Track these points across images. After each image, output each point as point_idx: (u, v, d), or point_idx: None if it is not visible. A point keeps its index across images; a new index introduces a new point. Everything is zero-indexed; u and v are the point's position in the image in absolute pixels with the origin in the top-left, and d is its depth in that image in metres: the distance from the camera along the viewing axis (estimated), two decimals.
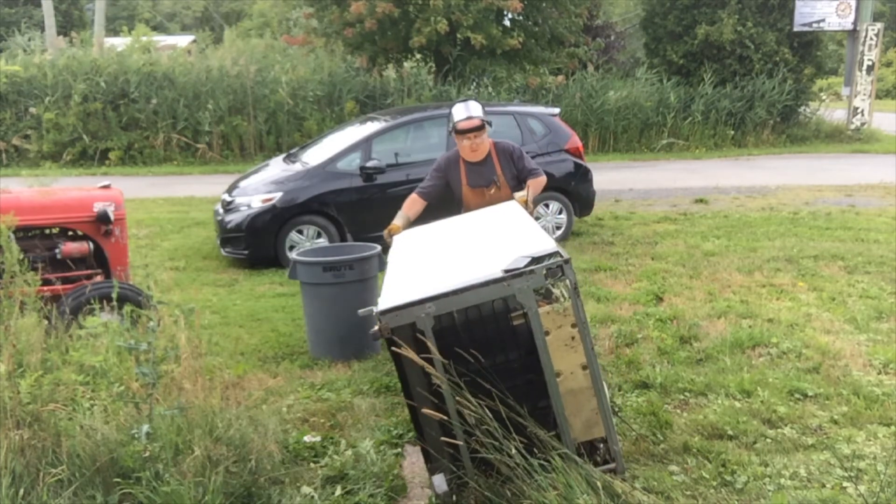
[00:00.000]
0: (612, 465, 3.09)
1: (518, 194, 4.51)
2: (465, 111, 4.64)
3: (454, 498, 3.03)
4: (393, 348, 2.93)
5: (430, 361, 2.90)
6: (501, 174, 4.74)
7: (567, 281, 2.92)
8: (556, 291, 3.04)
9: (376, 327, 2.92)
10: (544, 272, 2.90)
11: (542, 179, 4.74)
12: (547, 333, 2.94)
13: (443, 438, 2.98)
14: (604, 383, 3.14)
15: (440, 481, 2.98)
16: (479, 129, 4.60)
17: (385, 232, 4.61)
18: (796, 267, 7.04)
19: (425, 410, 2.95)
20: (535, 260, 2.95)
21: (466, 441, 2.93)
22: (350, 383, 4.56)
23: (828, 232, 8.56)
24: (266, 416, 3.66)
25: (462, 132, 4.61)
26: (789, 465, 3.52)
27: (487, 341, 3.01)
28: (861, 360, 4.75)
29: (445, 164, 4.82)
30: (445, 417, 2.92)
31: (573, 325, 2.96)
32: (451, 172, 4.79)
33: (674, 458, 3.61)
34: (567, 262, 2.92)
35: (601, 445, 3.12)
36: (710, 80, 17.12)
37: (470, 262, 3.39)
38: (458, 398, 2.88)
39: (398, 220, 4.66)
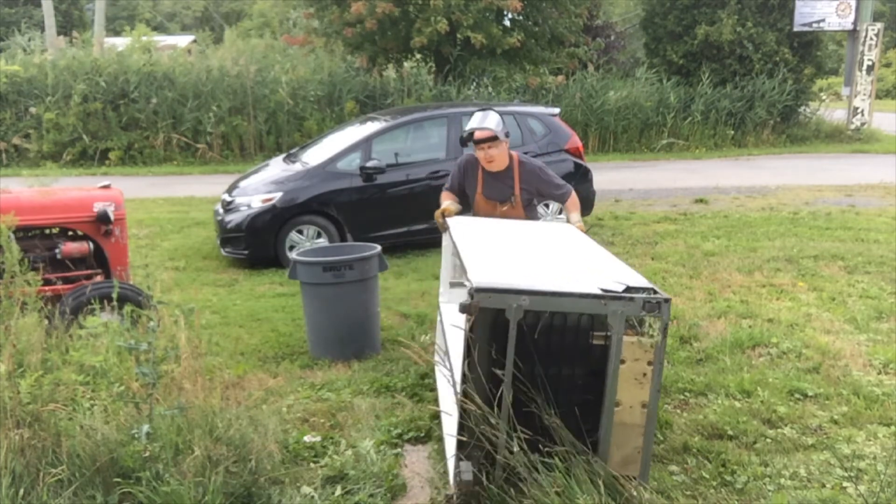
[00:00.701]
0: None
1: (575, 223, 4.40)
2: (478, 121, 4.43)
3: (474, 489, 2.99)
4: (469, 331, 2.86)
5: (491, 351, 2.87)
6: (519, 193, 4.51)
7: (660, 319, 2.93)
8: (647, 324, 3.02)
9: (466, 300, 2.86)
10: (642, 303, 2.89)
11: (575, 196, 4.59)
12: (622, 362, 2.94)
13: (460, 435, 2.93)
14: (653, 430, 3.13)
15: (467, 469, 2.96)
16: (491, 140, 4.37)
17: (437, 212, 4.47)
18: (796, 267, 7.04)
19: (463, 404, 2.89)
20: (630, 289, 2.95)
21: (508, 439, 2.90)
22: (350, 383, 4.56)
23: (828, 232, 8.57)
24: (266, 416, 3.65)
25: (475, 142, 4.41)
26: (789, 465, 3.52)
27: (561, 351, 2.99)
28: (861, 360, 4.75)
29: (465, 164, 4.63)
30: (478, 409, 2.88)
31: (649, 363, 2.96)
32: (468, 175, 4.60)
33: (674, 458, 3.61)
34: (667, 301, 2.92)
35: (626, 480, 3.11)
36: (709, 79, 17.13)
37: (559, 269, 3.37)
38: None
39: (450, 204, 4.53)
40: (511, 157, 4.53)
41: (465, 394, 2.91)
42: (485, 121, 4.42)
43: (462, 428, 2.97)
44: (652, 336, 2.94)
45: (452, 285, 3.31)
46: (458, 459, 2.99)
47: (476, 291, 2.83)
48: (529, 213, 4.62)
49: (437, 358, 4.46)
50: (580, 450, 2.89)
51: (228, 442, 3.21)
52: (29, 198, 5.02)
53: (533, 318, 2.91)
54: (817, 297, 6.11)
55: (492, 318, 2.89)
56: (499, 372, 2.90)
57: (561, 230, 4.34)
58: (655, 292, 2.97)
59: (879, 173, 12.60)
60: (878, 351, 4.87)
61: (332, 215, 7.68)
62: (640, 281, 3.11)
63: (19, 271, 3.89)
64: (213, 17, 42.23)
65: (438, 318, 4.53)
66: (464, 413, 2.93)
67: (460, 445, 2.98)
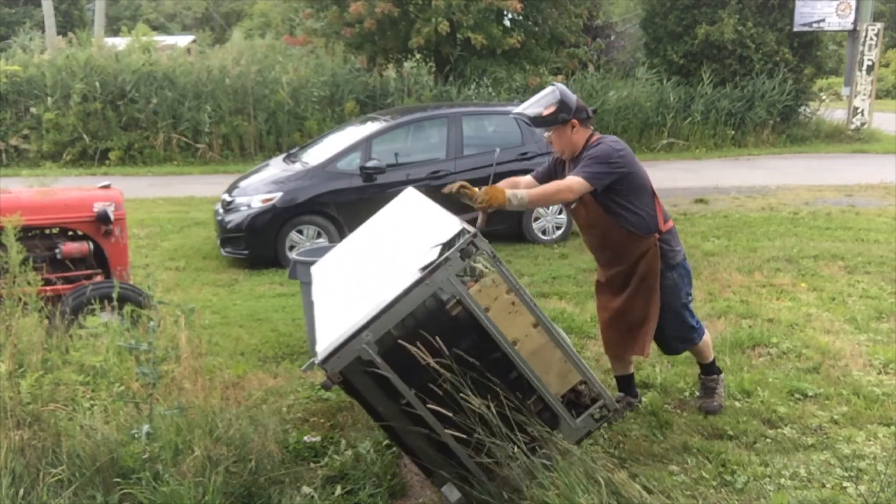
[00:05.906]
0: (601, 403, 3.07)
1: (508, 194, 3.34)
2: (529, 101, 3.68)
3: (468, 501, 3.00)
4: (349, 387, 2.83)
5: (386, 386, 2.84)
6: None
7: (484, 253, 2.83)
8: (478, 266, 2.97)
9: (325, 379, 2.80)
10: (459, 255, 2.79)
11: (562, 184, 3.51)
12: (487, 310, 2.88)
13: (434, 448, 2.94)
14: (560, 332, 3.06)
15: (450, 490, 2.95)
16: (542, 124, 3.62)
17: (479, 192, 3.86)
18: (796, 267, 7.04)
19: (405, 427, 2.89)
20: (447, 245, 2.86)
21: (465, 446, 2.88)
22: None
23: (828, 232, 8.56)
24: (266, 416, 3.66)
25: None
26: (789, 465, 3.52)
27: (438, 341, 2.89)
28: (861, 360, 4.75)
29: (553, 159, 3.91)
30: (422, 429, 2.87)
31: (508, 292, 2.89)
32: (559, 163, 3.86)
33: (674, 458, 3.61)
34: (475, 235, 2.80)
35: (583, 387, 3.09)
36: (709, 79, 17.12)
37: (387, 271, 3.23)
38: (429, 406, 2.83)
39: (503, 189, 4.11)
40: (588, 139, 3.67)
41: (395, 438, 2.91)
42: (533, 102, 3.65)
43: (422, 467, 2.99)
44: (491, 272, 2.87)
45: (305, 370, 3.33)
46: (439, 486, 2.99)
47: (322, 364, 2.74)
48: (609, 213, 3.65)
49: None
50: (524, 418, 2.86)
51: (228, 442, 3.21)
52: (29, 198, 5.02)
53: (389, 337, 2.80)
54: (817, 297, 6.11)
55: (362, 365, 2.79)
56: (410, 398, 2.84)
57: (402, 204, 4.11)
58: (467, 232, 2.86)
59: (879, 173, 12.59)
60: (878, 351, 4.87)
61: (332, 215, 7.68)
62: (451, 228, 2.96)
63: (20, 271, 3.90)
64: (213, 17, 42.23)
65: None
66: (411, 452, 2.94)
67: (427, 474, 2.99)
